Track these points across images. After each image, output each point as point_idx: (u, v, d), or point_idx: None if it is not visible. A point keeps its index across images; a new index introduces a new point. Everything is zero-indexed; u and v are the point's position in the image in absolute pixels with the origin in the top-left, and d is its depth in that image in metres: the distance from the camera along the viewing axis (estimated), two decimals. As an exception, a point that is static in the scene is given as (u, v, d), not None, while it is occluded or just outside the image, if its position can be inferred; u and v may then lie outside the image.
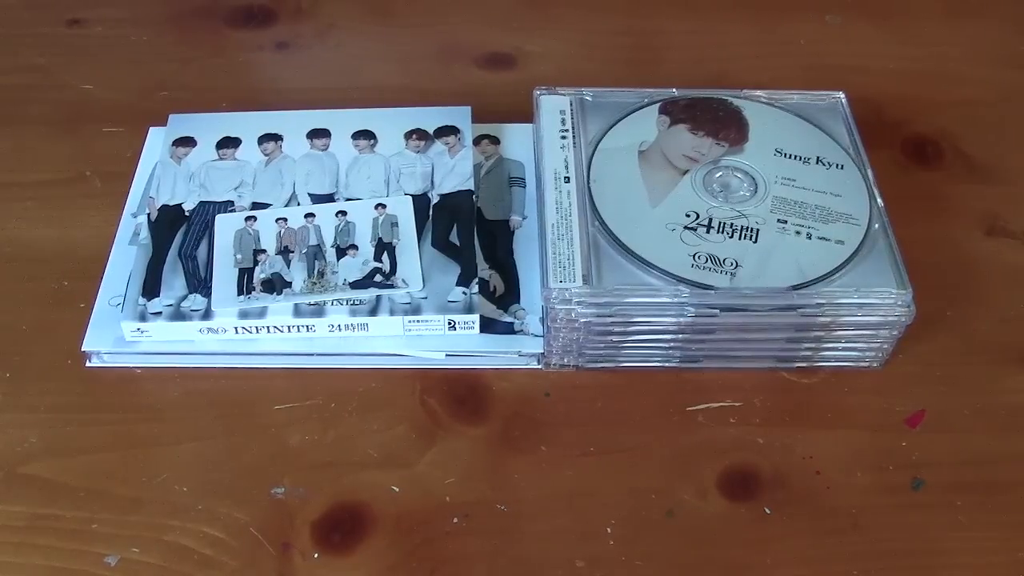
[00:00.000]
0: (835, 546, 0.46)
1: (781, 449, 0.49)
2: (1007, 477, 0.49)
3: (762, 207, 0.53)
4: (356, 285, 0.52)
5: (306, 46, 0.71)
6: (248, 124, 0.60)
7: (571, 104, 0.59)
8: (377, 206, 0.56)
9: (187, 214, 0.55)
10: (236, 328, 0.51)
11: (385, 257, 0.53)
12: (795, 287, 0.50)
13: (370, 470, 0.48)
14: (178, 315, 0.51)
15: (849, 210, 0.53)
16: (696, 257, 0.51)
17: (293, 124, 0.60)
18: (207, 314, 0.51)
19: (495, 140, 0.61)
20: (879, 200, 0.54)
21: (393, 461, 0.49)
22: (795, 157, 0.56)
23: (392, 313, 0.51)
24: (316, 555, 0.45)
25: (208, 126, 0.60)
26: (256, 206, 0.56)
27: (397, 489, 0.48)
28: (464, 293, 0.52)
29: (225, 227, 0.55)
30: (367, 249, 0.54)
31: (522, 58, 0.70)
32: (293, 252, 0.53)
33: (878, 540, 0.46)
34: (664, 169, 0.55)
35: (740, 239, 0.52)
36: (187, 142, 0.59)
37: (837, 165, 0.56)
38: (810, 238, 0.52)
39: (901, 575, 0.46)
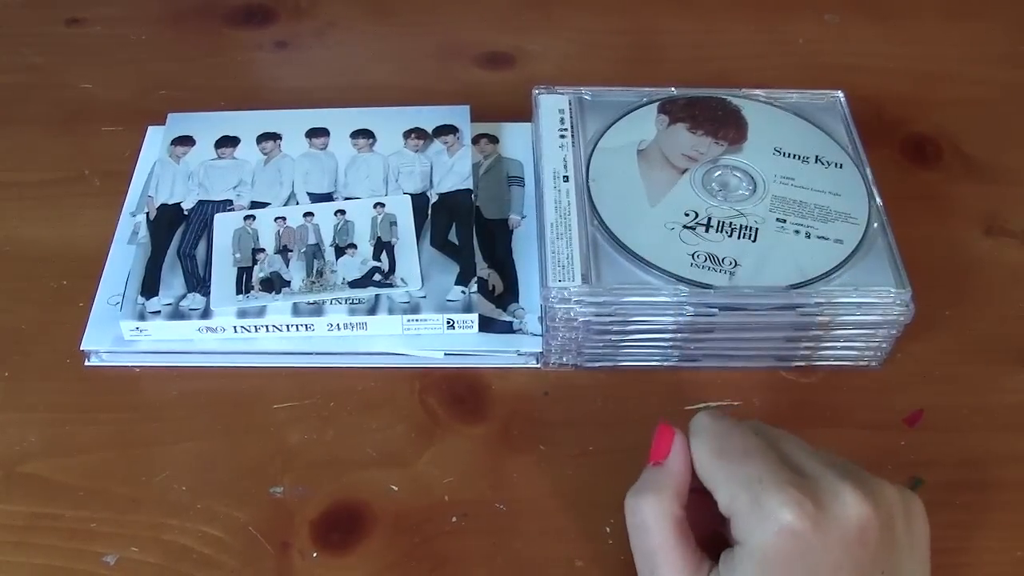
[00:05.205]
0: (834, 545, 0.46)
1: (780, 448, 0.49)
2: (1006, 477, 0.49)
3: (761, 206, 0.53)
4: (355, 284, 0.52)
5: (305, 45, 0.71)
6: (247, 123, 0.60)
7: (570, 103, 0.59)
8: (376, 205, 0.56)
9: (186, 213, 0.55)
10: (235, 327, 0.51)
11: (384, 256, 0.53)
12: (794, 286, 0.50)
13: (369, 469, 0.48)
14: (177, 314, 0.51)
15: (848, 209, 0.53)
16: (695, 256, 0.51)
17: (292, 123, 0.60)
18: (206, 313, 0.51)
19: (494, 139, 0.61)
20: (878, 199, 0.54)
21: (392, 460, 0.49)
22: (794, 156, 0.56)
23: (391, 312, 0.51)
24: (315, 554, 0.45)
25: (207, 125, 0.60)
26: (255, 205, 0.56)
27: (396, 488, 0.48)
28: (463, 292, 0.52)
29: (224, 226, 0.55)
30: (366, 248, 0.54)
31: (521, 57, 0.70)
32: (292, 251, 0.53)
33: (877, 539, 0.46)
34: (663, 168, 0.55)
35: (739, 238, 0.52)
36: (186, 141, 0.59)
37: (836, 164, 0.56)
38: (809, 237, 0.52)
39: (900, 574, 0.46)
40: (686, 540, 0.39)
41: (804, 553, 0.36)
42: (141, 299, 0.51)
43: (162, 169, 0.58)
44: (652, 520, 0.40)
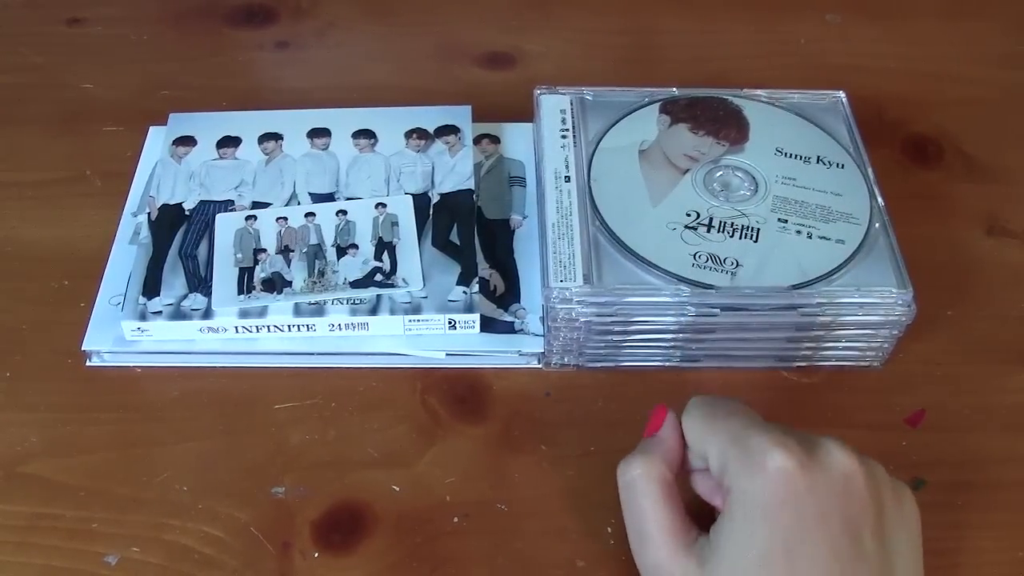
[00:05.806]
0: (835, 545, 0.46)
1: (781, 448, 0.49)
2: (1007, 477, 0.49)
3: (763, 206, 0.53)
4: (356, 284, 0.52)
5: (306, 45, 0.71)
6: (248, 123, 0.60)
7: (571, 103, 0.59)
8: (377, 205, 0.56)
9: (187, 213, 0.55)
10: (236, 327, 0.51)
11: (385, 256, 0.53)
12: (795, 286, 0.50)
13: (370, 469, 0.48)
14: (178, 314, 0.51)
15: (849, 209, 0.53)
16: (697, 256, 0.51)
17: (293, 123, 0.60)
18: (207, 313, 0.51)
19: (495, 139, 0.61)
20: (879, 199, 0.54)
21: (393, 460, 0.49)
22: (795, 156, 0.56)
23: (392, 312, 0.51)
24: (316, 554, 0.45)
25: (208, 125, 0.60)
26: (256, 205, 0.56)
27: (397, 488, 0.48)
28: (464, 292, 0.52)
29: (225, 226, 0.55)
30: (367, 248, 0.54)
31: (522, 57, 0.70)
32: (293, 251, 0.53)
33: (878, 539, 0.46)
34: (665, 168, 0.55)
35: (741, 238, 0.52)
36: (187, 141, 0.59)
37: (837, 164, 0.56)
38: (811, 237, 0.52)
39: (901, 574, 0.46)
40: (674, 503, 0.41)
41: (793, 497, 0.37)
42: (142, 299, 0.51)
43: (163, 169, 0.58)
44: (642, 481, 0.41)
